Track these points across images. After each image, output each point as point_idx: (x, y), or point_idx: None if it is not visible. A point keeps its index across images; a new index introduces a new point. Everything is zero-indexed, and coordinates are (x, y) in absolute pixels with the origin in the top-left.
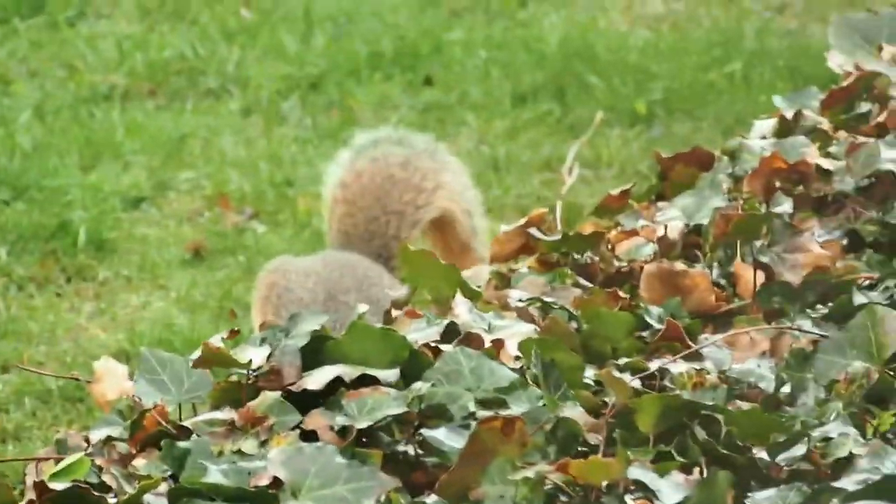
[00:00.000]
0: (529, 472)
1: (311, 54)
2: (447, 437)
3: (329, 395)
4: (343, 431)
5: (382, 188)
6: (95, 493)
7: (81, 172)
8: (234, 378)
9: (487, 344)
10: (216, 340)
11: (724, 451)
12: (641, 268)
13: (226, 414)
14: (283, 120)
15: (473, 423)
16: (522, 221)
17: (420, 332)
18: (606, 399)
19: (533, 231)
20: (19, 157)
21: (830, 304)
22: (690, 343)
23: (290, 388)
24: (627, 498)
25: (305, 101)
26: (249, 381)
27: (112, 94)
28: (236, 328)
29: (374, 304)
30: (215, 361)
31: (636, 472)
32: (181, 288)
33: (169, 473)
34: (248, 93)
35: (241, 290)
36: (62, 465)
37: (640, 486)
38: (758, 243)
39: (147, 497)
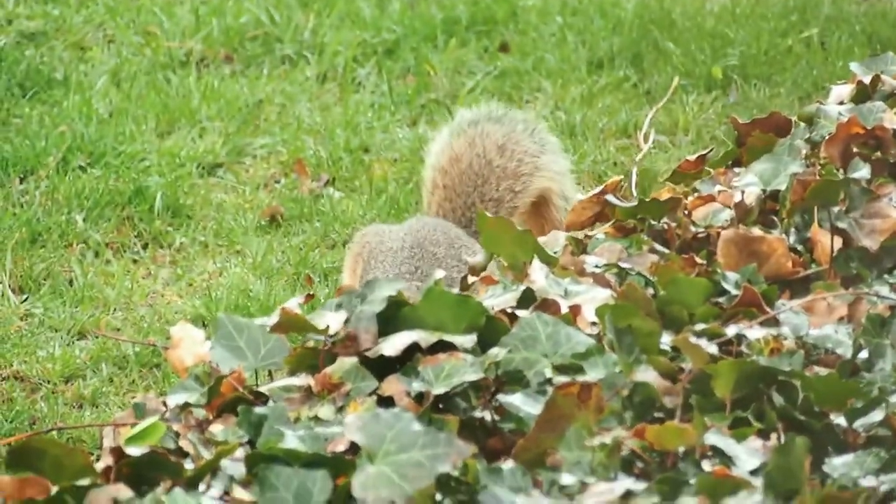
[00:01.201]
0: (606, 438)
1: (387, 20)
2: (524, 403)
3: (405, 361)
4: (419, 397)
5: (480, 175)
6: (172, 459)
7: (158, 138)
8: (310, 344)
9: (564, 310)
10: (293, 305)
11: (802, 417)
12: (718, 234)
13: (302, 380)
14: (359, 86)
15: (550, 389)
16: (598, 189)
17: (496, 298)
18: (683, 365)
19: (609, 197)
20: (96, 124)
21: None
22: (767, 309)
23: (366, 353)
24: (704, 463)
25: (381, 67)
26: (326, 347)
27: (188, 61)
28: (312, 293)
29: (462, 264)
30: (292, 326)
31: (713, 438)
32: (257, 254)
33: (246, 439)
34: (324, 59)
35: (317, 255)
36: (137, 428)
37: (717, 452)
38: (835, 209)
39: (224, 462)
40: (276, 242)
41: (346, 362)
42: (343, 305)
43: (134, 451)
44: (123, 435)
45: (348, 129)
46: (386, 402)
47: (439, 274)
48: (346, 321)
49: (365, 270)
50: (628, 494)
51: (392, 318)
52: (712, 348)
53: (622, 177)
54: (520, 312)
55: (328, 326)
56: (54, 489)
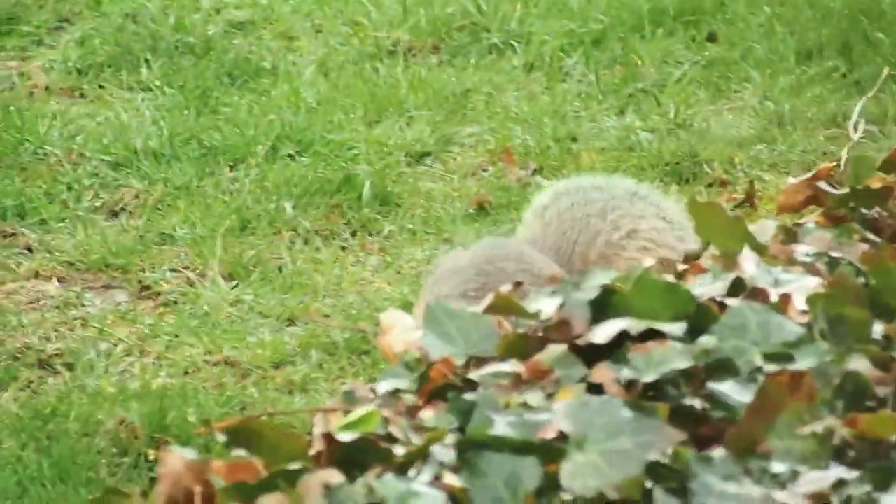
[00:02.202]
0: (817, 427)
1: (594, 10)
2: (734, 391)
3: (614, 349)
4: (629, 385)
5: (568, 254)
6: (383, 445)
7: (366, 127)
8: (521, 330)
9: (774, 298)
10: (504, 289)
11: None
12: None
13: (512, 366)
14: (566, 76)
15: (760, 378)
16: (811, 174)
17: (706, 287)
18: (894, 354)
19: (821, 184)
20: (304, 112)
21: None
22: None
23: (575, 341)
24: None
25: (588, 57)
26: (537, 334)
27: (396, 50)
28: (520, 281)
29: (535, 278)
30: (505, 309)
31: None
32: (466, 242)
33: (456, 425)
34: (531, 49)
35: None
36: (352, 417)
37: None
38: None
39: (434, 448)
40: (485, 230)
41: (556, 349)
42: (558, 293)
43: (345, 437)
44: (334, 421)
45: (555, 118)
46: (595, 389)
47: (648, 262)
48: (562, 306)
49: (425, 295)
50: (840, 483)
51: (603, 305)
52: None
53: (835, 163)
54: (729, 301)
55: (539, 311)
56: (266, 473)
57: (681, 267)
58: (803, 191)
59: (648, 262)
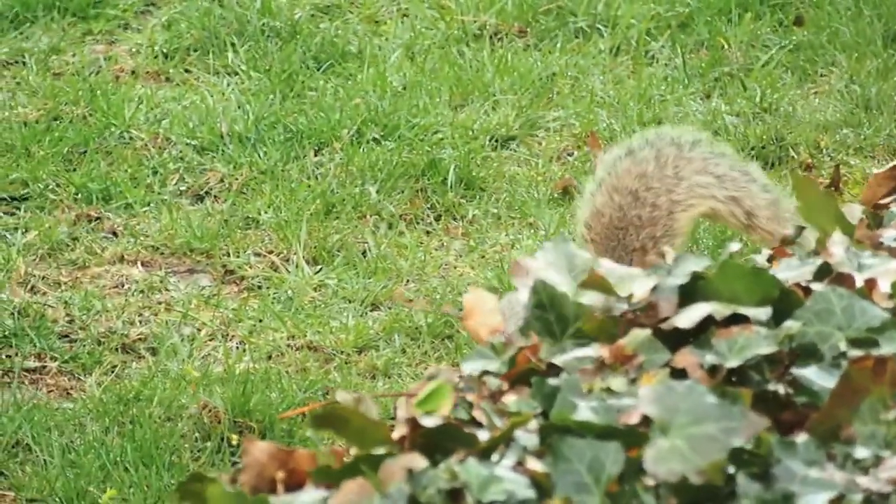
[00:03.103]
0: None
1: None
2: (817, 377)
3: (698, 334)
4: (712, 370)
5: (621, 227)
6: (466, 429)
7: (451, 111)
8: (610, 314)
9: (859, 283)
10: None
11: None
12: None
13: (595, 351)
14: (652, 59)
15: (844, 363)
16: (892, 165)
17: (791, 271)
18: None
19: None
20: (390, 96)
21: None
22: None
23: (660, 326)
24: None
25: (675, 40)
26: (626, 316)
27: (482, 34)
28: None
29: None
30: (598, 287)
31: None
32: (550, 226)
33: (539, 410)
34: (618, 32)
35: None
36: (425, 391)
37: None
38: None
39: (517, 433)
40: (569, 215)
41: (640, 334)
42: (652, 274)
43: (429, 421)
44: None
45: (641, 102)
46: (679, 374)
47: (734, 247)
48: (655, 288)
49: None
50: None
51: (688, 290)
52: None
53: None
54: (814, 286)
55: (631, 294)
56: (349, 457)
57: (766, 252)
58: (886, 183)
59: (734, 246)
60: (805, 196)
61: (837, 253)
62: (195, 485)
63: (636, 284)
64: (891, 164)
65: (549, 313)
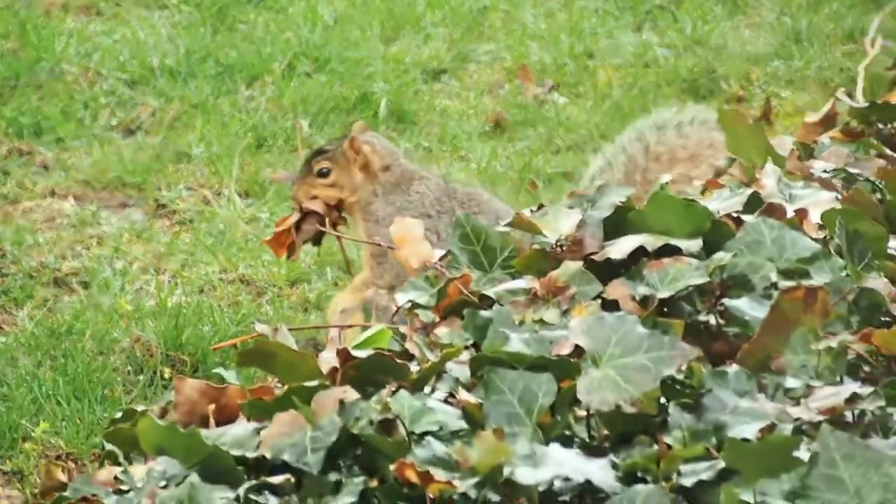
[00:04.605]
0: (832, 342)
1: None
2: (749, 307)
3: (630, 265)
4: (644, 301)
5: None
6: (398, 361)
7: (383, 45)
8: (538, 246)
9: (790, 214)
10: (526, 212)
11: None
12: None
13: (527, 283)
14: None
15: (775, 294)
16: (824, 111)
17: (722, 202)
18: None
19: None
20: (321, 30)
21: None
22: None
23: (591, 257)
24: None
25: None
26: (553, 250)
27: None
28: (541, 203)
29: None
30: (524, 228)
31: None
32: (482, 159)
33: (471, 342)
34: None
35: (542, 161)
36: (364, 335)
37: None
38: None
39: (449, 365)
40: (501, 148)
41: (572, 266)
42: (573, 207)
43: (360, 353)
44: (349, 338)
45: (572, 34)
46: (610, 305)
47: (665, 178)
48: (580, 224)
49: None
50: (854, 398)
51: (618, 222)
52: None
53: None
54: (745, 217)
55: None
56: (281, 391)
57: (697, 183)
58: (816, 130)
59: (666, 177)
60: (732, 129)
61: (769, 184)
62: (127, 420)
63: (561, 220)
64: (822, 111)
65: (475, 245)
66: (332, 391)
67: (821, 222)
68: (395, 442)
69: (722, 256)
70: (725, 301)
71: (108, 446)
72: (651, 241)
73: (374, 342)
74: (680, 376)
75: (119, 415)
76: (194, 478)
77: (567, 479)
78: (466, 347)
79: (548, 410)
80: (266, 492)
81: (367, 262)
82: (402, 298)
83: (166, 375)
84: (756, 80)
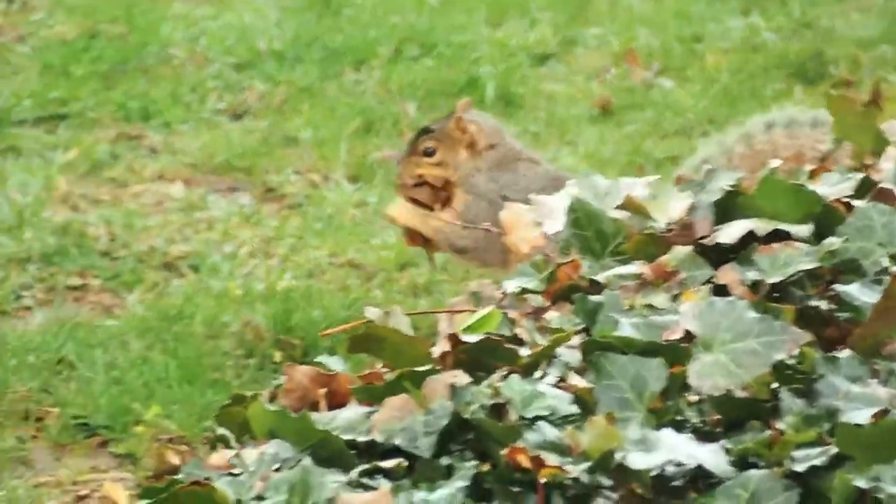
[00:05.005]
0: None
1: None
2: (860, 293)
3: (740, 250)
4: (754, 286)
5: None
6: (508, 346)
7: (489, 28)
8: (648, 231)
9: None
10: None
11: None
12: None
13: (637, 268)
14: None
15: (886, 279)
16: None
17: (832, 187)
18: None
19: None
20: (427, 14)
21: None
22: None
23: (701, 241)
24: None
25: None
26: (664, 234)
27: None
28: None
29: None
30: (634, 210)
31: None
32: (589, 143)
33: (581, 327)
34: None
35: (650, 145)
36: (474, 318)
37: None
38: None
39: (559, 350)
40: (608, 132)
41: (682, 250)
42: (685, 191)
43: (470, 337)
44: (459, 322)
45: (680, 18)
46: (720, 290)
47: (775, 163)
48: (691, 208)
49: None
50: None
51: (728, 207)
52: None
53: None
54: (856, 202)
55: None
56: (392, 375)
57: (808, 167)
58: None
59: (775, 162)
60: (841, 113)
61: (888, 168)
62: (236, 405)
63: (671, 204)
64: None
65: (588, 230)
66: (443, 375)
67: None
68: (506, 426)
69: (833, 241)
70: (836, 286)
71: (220, 430)
72: (761, 226)
73: (484, 323)
74: (791, 361)
75: (230, 399)
76: (307, 461)
77: (679, 464)
78: (577, 332)
79: (659, 395)
80: (378, 475)
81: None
82: (510, 285)
83: (276, 359)
84: (865, 64)
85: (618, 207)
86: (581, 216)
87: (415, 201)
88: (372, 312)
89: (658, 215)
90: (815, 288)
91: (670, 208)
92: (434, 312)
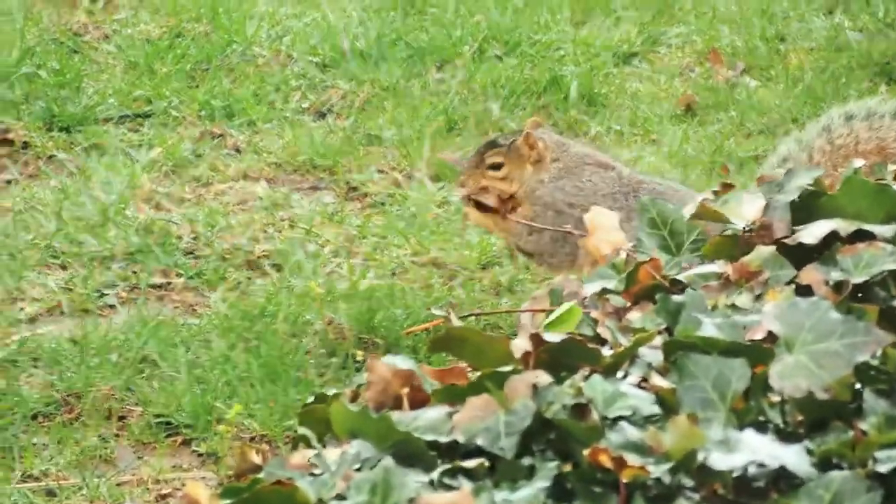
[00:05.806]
0: None
1: None
2: None
3: (823, 250)
4: (838, 286)
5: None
6: (590, 345)
7: (572, 28)
8: (728, 233)
9: None
10: (707, 194)
11: None
12: None
13: (720, 267)
14: None
15: None
16: None
17: None
18: None
19: None
20: (511, 13)
21: None
22: None
23: (784, 241)
24: None
25: None
26: (743, 235)
27: None
28: (730, 182)
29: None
30: (709, 217)
31: None
32: (673, 142)
33: (663, 327)
34: None
35: (733, 144)
36: (555, 314)
37: None
38: None
39: (642, 350)
40: (692, 131)
41: (764, 251)
42: (762, 194)
43: (552, 337)
44: (541, 320)
45: (764, 17)
46: (804, 290)
47: (858, 163)
48: (766, 208)
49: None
50: None
51: (809, 207)
52: None
53: None
54: None
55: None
56: (475, 375)
57: (892, 167)
58: None
59: (858, 162)
60: None
61: None
62: (318, 404)
63: (745, 206)
64: None
65: (662, 229)
66: (525, 375)
67: None
68: (588, 427)
69: None
70: None
71: (301, 430)
72: (844, 226)
73: (565, 320)
74: (874, 362)
75: (311, 398)
76: (388, 461)
77: (761, 465)
78: (659, 332)
79: (741, 396)
80: (460, 476)
81: (513, 227)
82: (590, 287)
83: (359, 358)
84: None
85: (692, 217)
86: (654, 215)
87: (479, 205)
88: (440, 313)
89: (734, 218)
90: None
91: (744, 211)
92: (509, 312)
